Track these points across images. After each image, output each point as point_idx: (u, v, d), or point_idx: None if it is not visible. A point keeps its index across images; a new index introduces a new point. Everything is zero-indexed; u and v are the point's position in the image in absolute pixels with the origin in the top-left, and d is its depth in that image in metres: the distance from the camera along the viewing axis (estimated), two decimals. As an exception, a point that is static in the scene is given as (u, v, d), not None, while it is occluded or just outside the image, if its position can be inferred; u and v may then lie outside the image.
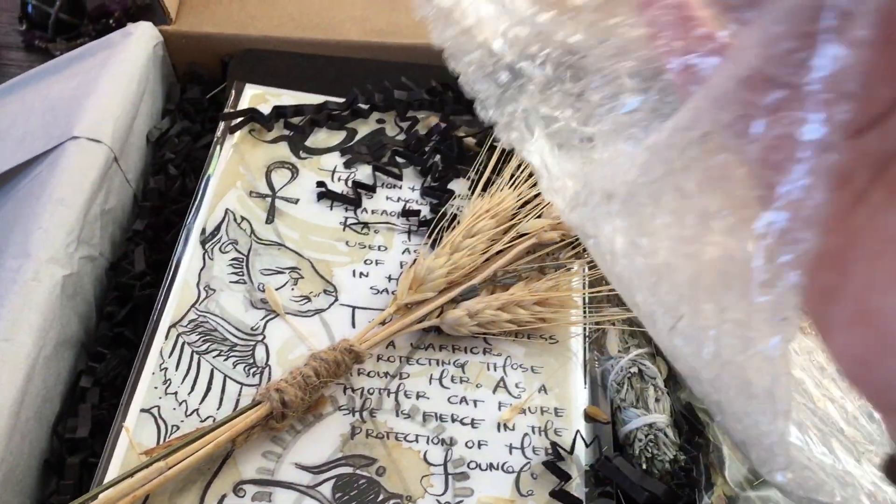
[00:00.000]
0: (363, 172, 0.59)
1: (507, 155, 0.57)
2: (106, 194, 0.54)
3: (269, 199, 0.57)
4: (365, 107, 0.62)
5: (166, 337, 0.50)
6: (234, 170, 0.58)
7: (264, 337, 0.50)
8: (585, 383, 0.50)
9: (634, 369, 0.50)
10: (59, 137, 0.54)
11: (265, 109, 0.61)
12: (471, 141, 0.61)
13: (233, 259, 0.54)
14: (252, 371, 0.49)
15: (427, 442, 0.47)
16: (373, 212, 0.57)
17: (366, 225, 0.56)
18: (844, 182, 0.21)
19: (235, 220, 0.55)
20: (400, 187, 0.59)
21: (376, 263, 0.55)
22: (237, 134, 0.60)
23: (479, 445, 0.47)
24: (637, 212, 0.25)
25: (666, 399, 0.49)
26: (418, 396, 0.49)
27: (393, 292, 0.53)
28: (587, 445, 0.47)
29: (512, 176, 0.55)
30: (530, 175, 0.55)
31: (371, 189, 0.58)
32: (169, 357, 0.49)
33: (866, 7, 0.18)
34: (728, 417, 0.25)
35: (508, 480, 0.46)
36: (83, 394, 0.49)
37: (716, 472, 0.46)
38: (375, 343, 0.49)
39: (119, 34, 0.62)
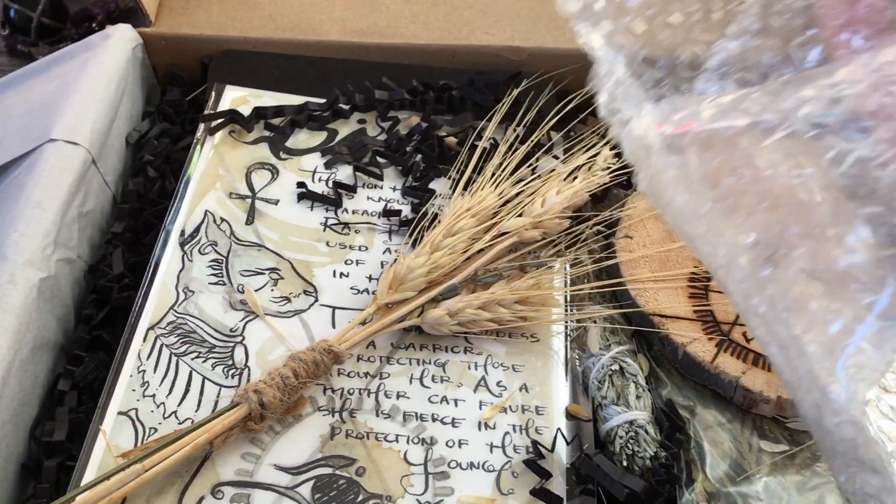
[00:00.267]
0: (344, 173, 0.59)
1: (489, 154, 0.57)
2: (84, 197, 0.54)
3: (248, 200, 0.57)
4: (346, 107, 0.62)
5: (144, 339, 0.49)
6: (213, 171, 0.58)
7: (243, 338, 0.50)
8: (567, 381, 0.50)
9: (615, 366, 0.50)
10: (37, 140, 0.54)
11: (245, 111, 0.61)
12: (452, 140, 0.61)
13: (212, 260, 0.53)
14: (231, 372, 0.49)
15: (407, 442, 0.47)
16: (353, 212, 0.57)
17: (346, 225, 0.56)
18: None
19: (215, 221, 0.55)
20: (381, 187, 0.58)
21: (357, 264, 0.54)
22: (217, 135, 0.60)
23: (460, 445, 0.47)
24: None
25: (647, 396, 0.49)
26: (399, 396, 0.49)
27: (373, 292, 0.53)
28: (568, 443, 0.47)
29: (493, 174, 0.55)
30: (512, 173, 0.55)
31: (352, 189, 0.58)
32: (147, 359, 0.49)
33: None
34: None
35: (489, 479, 0.46)
36: (61, 397, 0.49)
37: (696, 468, 0.46)
38: (355, 343, 0.49)
39: (98, 36, 0.62)
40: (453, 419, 0.48)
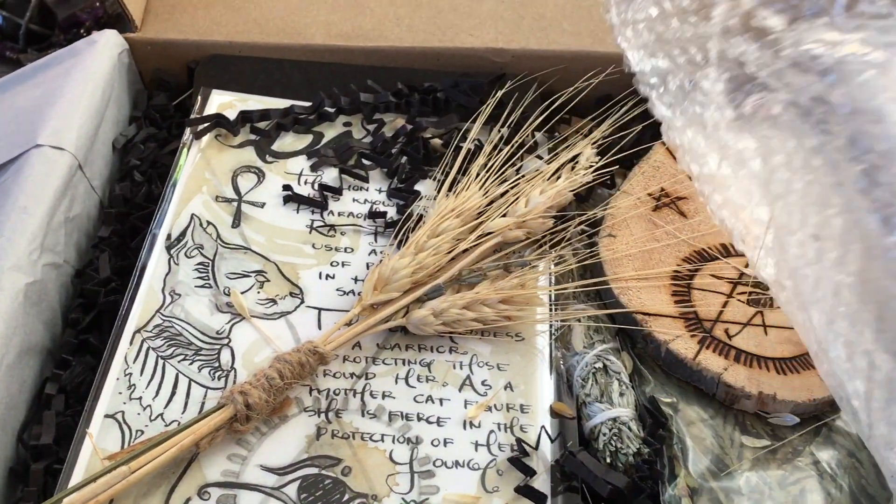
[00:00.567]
0: (330, 175, 0.59)
1: (474, 155, 0.57)
2: (70, 202, 0.54)
3: (235, 204, 0.57)
4: (331, 110, 0.62)
5: (131, 342, 0.50)
6: (199, 175, 0.58)
7: (230, 340, 0.50)
8: (551, 380, 0.50)
9: (599, 364, 0.50)
10: (23, 146, 0.55)
11: (231, 114, 0.61)
12: (437, 142, 0.61)
13: (198, 264, 0.54)
14: (217, 374, 0.49)
15: (393, 441, 0.47)
16: (339, 214, 0.57)
17: (332, 227, 0.56)
18: None
19: (201, 224, 0.56)
20: (367, 189, 0.59)
21: (343, 265, 0.55)
22: (203, 139, 0.60)
23: (445, 443, 0.47)
24: None
25: (630, 393, 0.49)
26: (384, 396, 0.49)
27: (359, 293, 0.53)
28: (552, 441, 0.48)
29: (478, 175, 0.55)
30: (496, 174, 0.55)
31: (337, 192, 0.58)
32: (133, 362, 0.49)
33: None
34: None
35: (474, 477, 0.46)
36: (48, 401, 0.49)
37: (679, 464, 0.46)
38: (340, 344, 0.49)
39: (84, 42, 0.62)
40: (438, 418, 0.48)
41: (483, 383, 0.50)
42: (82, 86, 0.58)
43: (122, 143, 0.61)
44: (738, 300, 0.52)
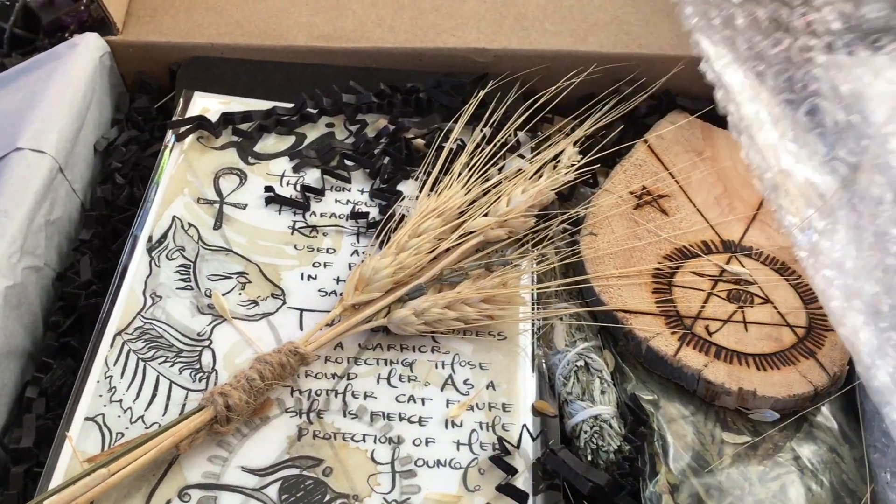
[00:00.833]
0: (312, 176, 0.59)
1: (456, 154, 0.57)
2: (51, 205, 0.54)
3: (217, 206, 0.57)
4: (313, 111, 0.62)
5: (111, 345, 0.50)
6: (181, 177, 0.58)
7: (211, 342, 0.50)
8: (533, 378, 0.50)
9: (581, 363, 0.50)
10: (3, 149, 0.54)
11: (214, 116, 0.61)
12: (420, 142, 0.61)
13: (180, 266, 0.54)
14: (199, 376, 0.49)
15: (374, 441, 0.47)
16: (321, 215, 0.57)
17: (314, 228, 0.56)
18: None
19: (183, 226, 0.55)
20: (349, 190, 0.59)
21: (325, 266, 0.55)
22: (185, 141, 0.60)
23: (427, 443, 0.47)
24: None
25: (612, 391, 0.49)
26: (366, 396, 0.49)
27: (341, 294, 0.53)
28: (534, 439, 0.48)
29: (460, 174, 0.55)
30: (479, 173, 0.55)
31: (320, 193, 0.58)
32: (114, 365, 0.49)
33: None
34: None
35: (455, 476, 0.46)
36: (29, 404, 0.49)
37: (660, 460, 0.46)
38: (322, 344, 0.49)
39: (65, 46, 0.62)
40: (420, 418, 0.48)
41: (465, 382, 0.50)
42: (63, 89, 0.58)
43: (103, 146, 0.61)
44: (719, 297, 0.52)
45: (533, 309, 0.53)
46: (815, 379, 0.48)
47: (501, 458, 0.46)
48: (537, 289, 0.53)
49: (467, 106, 0.59)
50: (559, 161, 0.57)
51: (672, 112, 0.63)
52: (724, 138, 0.61)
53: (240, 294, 0.53)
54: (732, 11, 0.43)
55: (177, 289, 0.52)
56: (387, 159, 0.60)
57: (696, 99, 0.64)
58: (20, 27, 0.75)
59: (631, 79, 0.63)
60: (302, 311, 0.52)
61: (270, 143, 0.61)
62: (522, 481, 0.46)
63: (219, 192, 0.58)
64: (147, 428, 0.47)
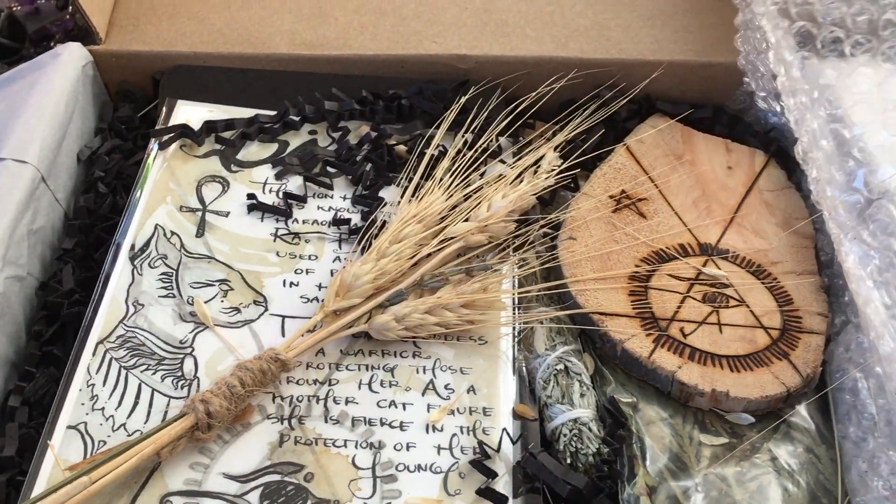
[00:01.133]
0: (294, 183, 0.60)
1: (437, 160, 0.57)
2: (34, 214, 0.55)
3: (199, 213, 0.57)
4: (296, 119, 0.63)
5: (94, 353, 0.50)
6: (164, 185, 0.58)
7: (193, 350, 0.51)
8: (514, 382, 0.50)
9: (561, 366, 0.50)
10: (-14, 160, 0.55)
11: (196, 125, 0.61)
12: (402, 149, 0.62)
13: (162, 274, 0.54)
14: (181, 384, 0.49)
15: (356, 446, 0.48)
16: (304, 222, 0.57)
17: (297, 235, 0.57)
18: None
19: (165, 235, 0.56)
20: (331, 197, 0.59)
21: (307, 273, 0.55)
22: (168, 150, 0.60)
23: (408, 447, 0.48)
24: None
25: (591, 394, 0.50)
26: (347, 402, 0.49)
27: (323, 300, 0.53)
28: (514, 443, 0.48)
29: (441, 180, 0.56)
30: (460, 179, 0.56)
31: (302, 200, 0.58)
32: (96, 373, 0.49)
33: None
34: None
35: (436, 480, 0.47)
36: (11, 413, 0.49)
37: (638, 463, 0.46)
38: (303, 351, 0.49)
39: (48, 55, 0.63)
40: (401, 423, 0.49)
41: (446, 387, 0.50)
42: (45, 98, 0.58)
43: (86, 155, 0.61)
44: (694, 299, 0.52)
45: (514, 313, 0.53)
46: (788, 380, 0.49)
47: (482, 462, 0.47)
48: (517, 293, 0.54)
49: (449, 112, 0.60)
50: (539, 166, 0.57)
51: (652, 116, 0.63)
52: (704, 142, 0.62)
53: (222, 301, 0.53)
54: None
55: (159, 297, 0.53)
56: (369, 166, 0.60)
57: (676, 103, 0.64)
58: (6, 36, 0.75)
59: (611, 84, 0.64)
60: (284, 317, 0.53)
61: (253, 150, 0.61)
62: (502, 485, 0.46)
63: (201, 200, 0.58)
64: (129, 436, 0.47)
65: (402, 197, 0.57)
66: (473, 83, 0.63)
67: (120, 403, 0.48)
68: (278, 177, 0.60)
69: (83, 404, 0.48)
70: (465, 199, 0.56)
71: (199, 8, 0.67)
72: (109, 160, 0.61)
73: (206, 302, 0.53)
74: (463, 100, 0.61)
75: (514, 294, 0.54)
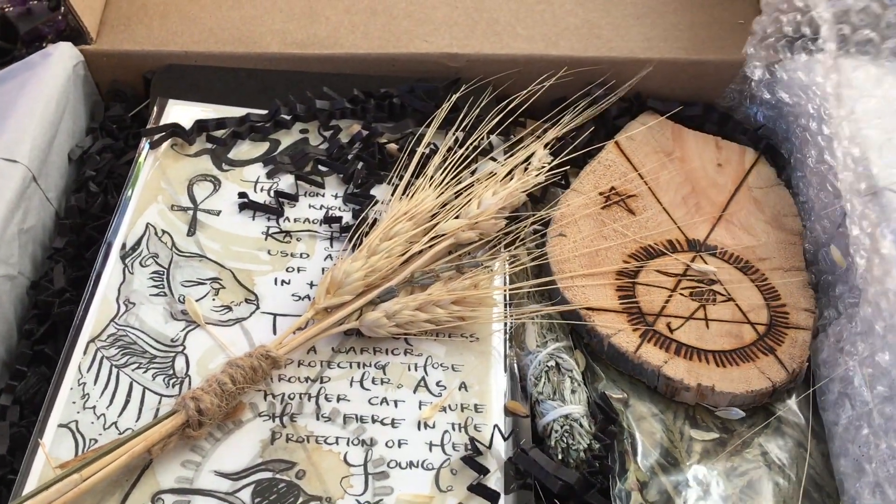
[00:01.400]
0: (286, 182, 0.60)
1: (428, 158, 0.58)
2: (24, 214, 0.55)
3: (190, 212, 0.57)
4: (287, 118, 0.63)
5: (85, 352, 0.50)
6: (155, 184, 0.58)
7: (184, 348, 0.51)
8: (505, 379, 0.51)
9: (552, 363, 0.50)
10: (-23, 160, 0.55)
11: (188, 124, 0.61)
12: (393, 147, 0.62)
13: (153, 272, 0.54)
14: (172, 382, 0.49)
15: (347, 443, 0.48)
16: (295, 220, 0.58)
17: (288, 234, 0.57)
18: None
19: (156, 233, 0.56)
20: (323, 195, 0.59)
21: (298, 271, 0.55)
22: (160, 149, 0.60)
23: (400, 444, 0.48)
24: None
25: (582, 390, 0.50)
26: (339, 399, 0.49)
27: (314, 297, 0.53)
28: (505, 439, 0.48)
29: (432, 178, 0.56)
30: (451, 176, 0.56)
31: (293, 198, 0.58)
32: (87, 372, 0.49)
33: None
34: None
35: (428, 477, 0.47)
36: (3, 412, 0.49)
37: (629, 458, 0.47)
38: (294, 348, 0.49)
39: (39, 55, 0.63)
40: (393, 420, 0.49)
41: (438, 384, 0.50)
42: (36, 98, 0.58)
43: (77, 155, 0.61)
44: (682, 295, 0.52)
45: (506, 309, 0.53)
46: (774, 375, 0.49)
47: (473, 459, 0.47)
48: (506, 290, 0.54)
49: (440, 110, 0.60)
50: (530, 163, 0.58)
51: (643, 113, 0.64)
52: (694, 139, 0.62)
53: (213, 300, 0.53)
54: None
55: (150, 295, 0.53)
56: (360, 164, 0.60)
57: (666, 101, 0.64)
58: (-3, 37, 0.75)
59: (602, 81, 0.64)
60: (275, 315, 0.53)
61: (244, 149, 0.61)
62: (494, 481, 0.46)
63: (192, 199, 0.58)
64: (120, 434, 0.47)
65: (392, 195, 0.57)
66: (465, 82, 0.63)
67: (111, 402, 0.48)
68: (270, 175, 0.60)
69: (74, 403, 0.48)
70: (456, 197, 0.56)
71: (191, 7, 0.67)
72: (100, 159, 0.61)
73: (197, 300, 0.53)
74: (454, 98, 0.61)
75: (505, 291, 0.54)
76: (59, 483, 0.43)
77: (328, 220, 0.57)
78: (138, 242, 0.55)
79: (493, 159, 0.60)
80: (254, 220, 0.57)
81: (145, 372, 0.50)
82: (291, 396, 0.49)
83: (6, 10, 0.76)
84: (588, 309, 0.51)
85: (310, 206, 0.58)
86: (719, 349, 0.50)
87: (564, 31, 0.66)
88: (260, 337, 0.52)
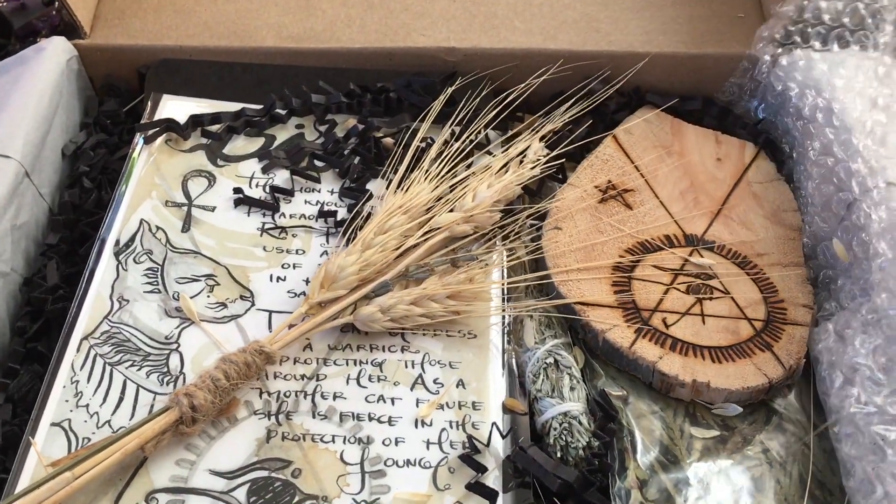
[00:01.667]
0: (281, 177, 0.59)
1: (424, 152, 0.57)
2: (17, 210, 0.54)
3: (185, 208, 0.57)
4: (283, 112, 0.62)
5: (78, 350, 0.49)
6: (149, 180, 0.58)
7: (179, 345, 0.50)
8: (503, 376, 0.50)
9: (550, 360, 0.50)
10: (-31, 155, 0.54)
11: (182, 119, 0.61)
12: (389, 141, 0.61)
13: (147, 269, 0.53)
14: (166, 380, 0.49)
15: (344, 442, 0.47)
16: (291, 216, 0.57)
17: (283, 229, 0.56)
18: None
19: (150, 230, 0.55)
20: (319, 191, 0.59)
21: (294, 267, 0.54)
22: (154, 144, 0.60)
23: (397, 443, 0.47)
24: None
25: (581, 388, 0.49)
26: (335, 397, 0.49)
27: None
28: (503, 437, 0.47)
29: (427, 171, 0.55)
30: (446, 170, 0.55)
31: (289, 193, 0.58)
32: (80, 370, 0.49)
33: None
34: None
35: (425, 475, 0.46)
36: (-5, 410, 0.48)
37: (629, 456, 0.46)
38: (288, 343, 0.49)
39: (32, 50, 0.62)
40: (390, 418, 0.48)
41: (435, 381, 0.50)
42: (29, 93, 0.58)
43: (71, 150, 0.61)
44: (678, 290, 0.52)
45: (503, 302, 0.53)
46: (771, 371, 0.48)
47: (471, 457, 0.46)
48: (502, 284, 0.53)
49: (435, 103, 0.59)
50: (525, 156, 0.57)
51: (642, 108, 0.63)
52: (694, 133, 0.62)
53: (208, 296, 0.52)
54: None
55: (144, 292, 0.52)
56: (356, 159, 0.60)
57: (665, 95, 0.64)
58: (-8, 33, 0.74)
59: (600, 75, 0.63)
60: (271, 312, 0.52)
61: (239, 144, 0.61)
62: (492, 479, 0.46)
63: (187, 195, 0.57)
64: (114, 432, 0.46)
65: (387, 188, 0.56)
66: (462, 76, 0.63)
67: (104, 400, 0.48)
68: (265, 171, 0.59)
69: (67, 401, 0.47)
70: (451, 190, 0.55)
71: (185, 1, 0.67)
72: (94, 155, 0.60)
73: (192, 297, 0.52)
74: (449, 91, 0.60)
75: (502, 284, 0.53)
76: (51, 481, 0.42)
77: (323, 214, 0.57)
78: (132, 239, 0.55)
79: (490, 153, 0.60)
80: (249, 215, 0.57)
81: (139, 370, 0.49)
82: (287, 394, 0.49)
83: (0, 5, 0.76)
84: (583, 304, 0.51)
85: (305, 201, 0.58)
86: (715, 345, 0.49)
87: (563, 25, 0.65)
88: (255, 334, 0.51)
